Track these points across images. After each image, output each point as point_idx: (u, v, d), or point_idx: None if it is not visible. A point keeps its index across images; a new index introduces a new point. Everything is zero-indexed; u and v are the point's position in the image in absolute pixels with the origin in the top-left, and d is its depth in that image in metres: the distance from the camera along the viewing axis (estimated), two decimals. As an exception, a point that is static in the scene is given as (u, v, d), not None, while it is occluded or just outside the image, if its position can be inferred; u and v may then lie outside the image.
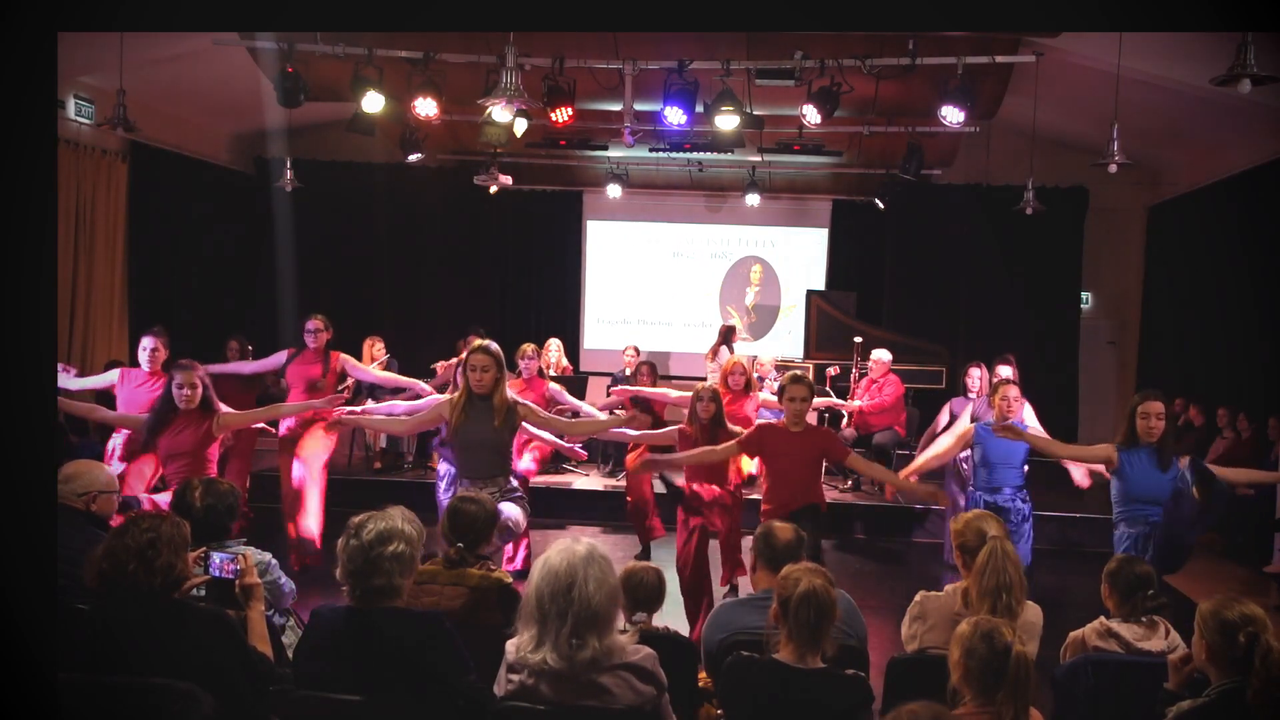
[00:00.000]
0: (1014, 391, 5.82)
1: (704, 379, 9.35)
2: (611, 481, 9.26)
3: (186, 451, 5.18)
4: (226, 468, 7.70)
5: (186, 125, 10.95)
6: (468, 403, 4.69)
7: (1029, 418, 6.63)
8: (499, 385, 4.71)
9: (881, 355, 9.11)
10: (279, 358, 6.78)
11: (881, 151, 10.78)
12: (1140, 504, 4.86)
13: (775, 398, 7.68)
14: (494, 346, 4.80)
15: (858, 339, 9.53)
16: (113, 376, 6.23)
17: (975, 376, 7.69)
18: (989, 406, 6.04)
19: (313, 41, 7.73)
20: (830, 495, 9.10)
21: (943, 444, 6.19)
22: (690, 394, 5.91)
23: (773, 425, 5.38)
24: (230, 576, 3.17)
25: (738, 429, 5.78)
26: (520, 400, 4.87)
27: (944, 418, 7.80)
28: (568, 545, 2.62)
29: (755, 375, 9.30)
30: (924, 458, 6.08)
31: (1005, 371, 7.12)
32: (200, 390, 5.20)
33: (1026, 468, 6.61)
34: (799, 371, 5.76)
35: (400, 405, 6.23)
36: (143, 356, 6.12)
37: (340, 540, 2.79)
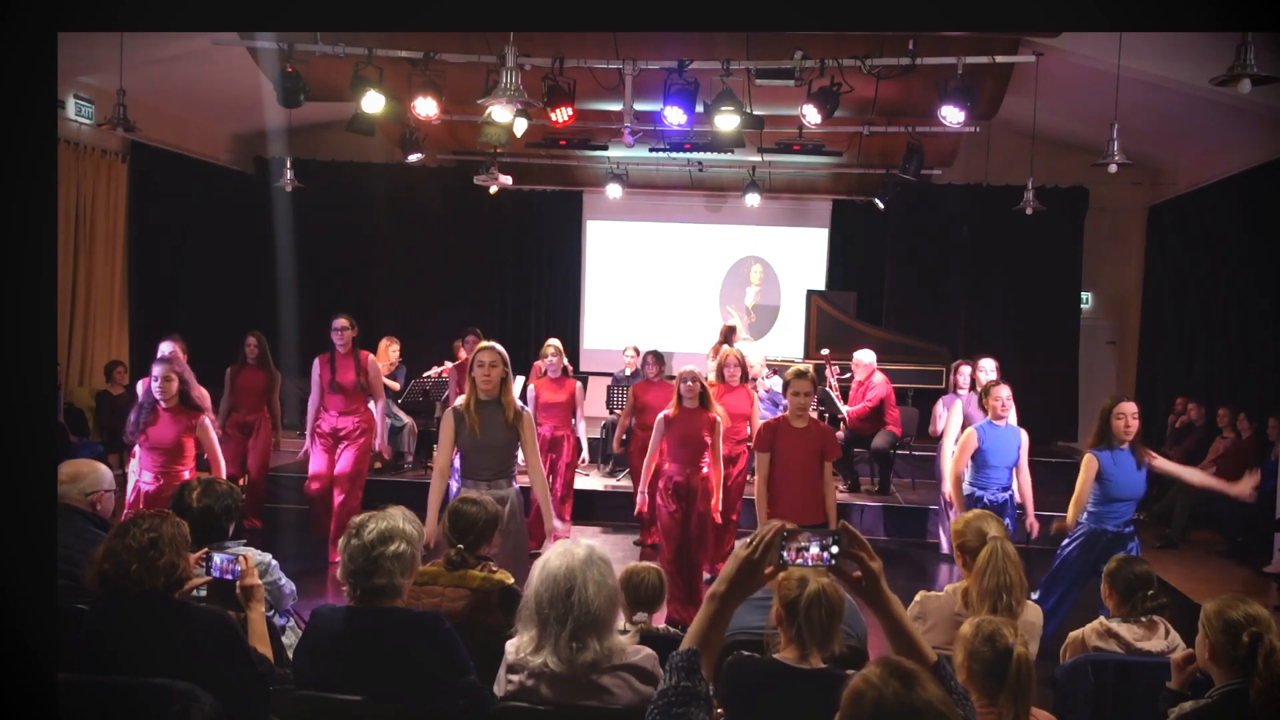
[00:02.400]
0: (1006, 391, 5.90)
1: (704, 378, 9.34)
2: (612, 481, 9.27)
3: (167, 447, 5.35)
4: (248, 465, 7.79)
5: (186, 125, 10.95)
6: (478, 406, 4.66)
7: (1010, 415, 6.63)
8: (505, 386, 4.70)
9: (864, 358, 9.01)
10: (317, 370, 6.99)
11: (881, 151, 10.78)
12: (1117, 503, 5.01)
13: (765, 395, 7.65)
14: (499, 346, 4.80)
15: (824, 350, 9.53)
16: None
17: (965, 374, 7.73)
18: (979, 407, 6.08)
19: (313, 41, 7.73)
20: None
21: (954, 461, 6.10)
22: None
23: (776, 421, 5.39)
24: (231, 578, 3.16)
25: (721, 410, 5.86)
26: (525, 409, 4.83)
27: (939, 416, 7.82)
28: (567, 548, 2.61)
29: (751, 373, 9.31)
30: (958, 491, 5.95)
31: (989, 366, 7.17)
32: (176, 384, 5.35)
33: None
34: (802, 366, 5.73)
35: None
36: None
37: (341, 540, 2.79)
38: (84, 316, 9.59)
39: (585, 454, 7.57)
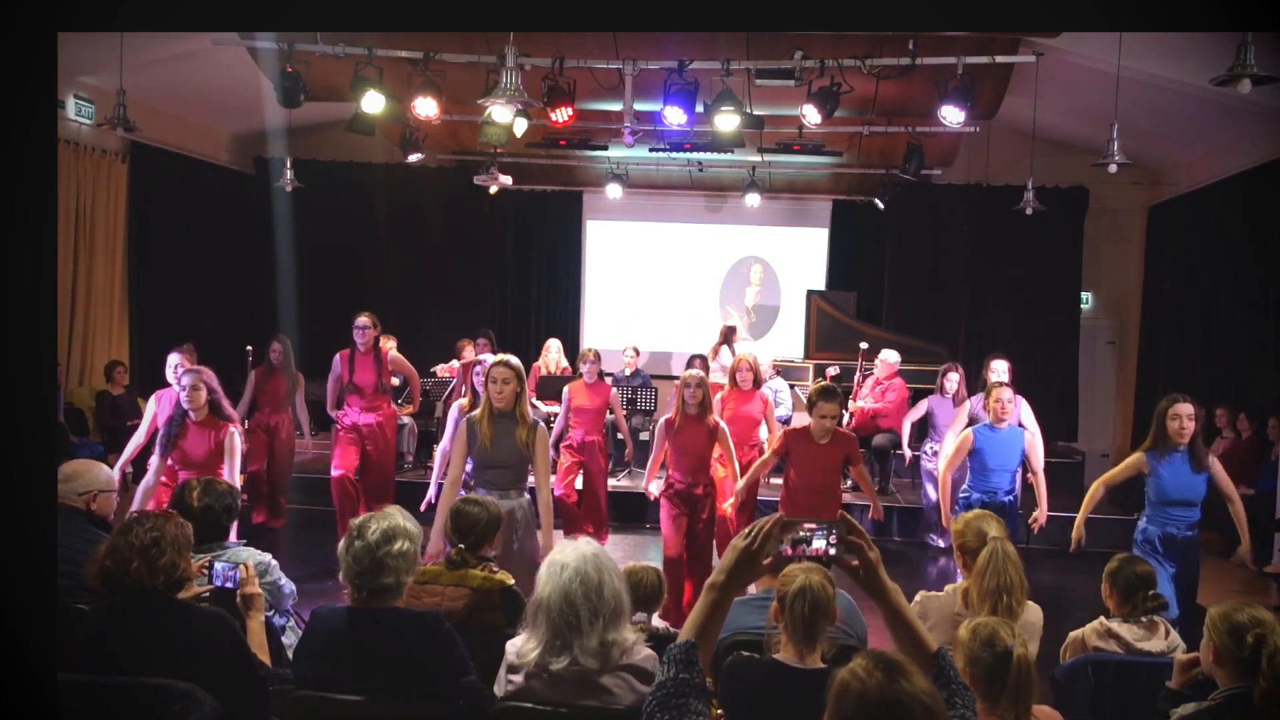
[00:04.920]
0: (1007, 394, 5.83)
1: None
2: (612, 481, 9.25)
3: (199, 461, 5.16)
4: (271, 471, 7.81)
5: (186, 125, 10.94)
6: (491, 419, 4.61)
7: (1026, 416, 6.65)
8: (520, 399, 4.64)
9: (889, 357, 9.06)
10: (337, 368, 7.04)
11: (881, 151, 10.78)
12: (1173, 506, 4.87)
13: (773, 399, 7.61)
14: (514, 360, 4.75)
15: (864, 345, 9.48)
16: (152, 406, 6.15)
17: (953, 379, 7.75)
18: (984, 409, 6.04)
19: (313, 41, 7.73)
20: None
21: (948, 455, 6.18)
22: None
23: (801, 433, 5.37)
24: (231, 585, 3.17)
25: (721, 420, 5.81)
26: (539, 424, 4.74)
27: (921, 410, 7.89)
28: (574, 547, 2.62)
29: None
30: (946, 494, 6.08)
31: (1000, 367, 7.13)
32: (204, 393, 5.19)
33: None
34: (830, 385, 5.63)
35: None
36: (170, 374, 6.17)
37: (342, 543, 2.78)
38: (84, 316, 9.58)
39: (630, 448, 7.55)
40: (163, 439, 5.24)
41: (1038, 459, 5.91)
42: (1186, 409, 4.86)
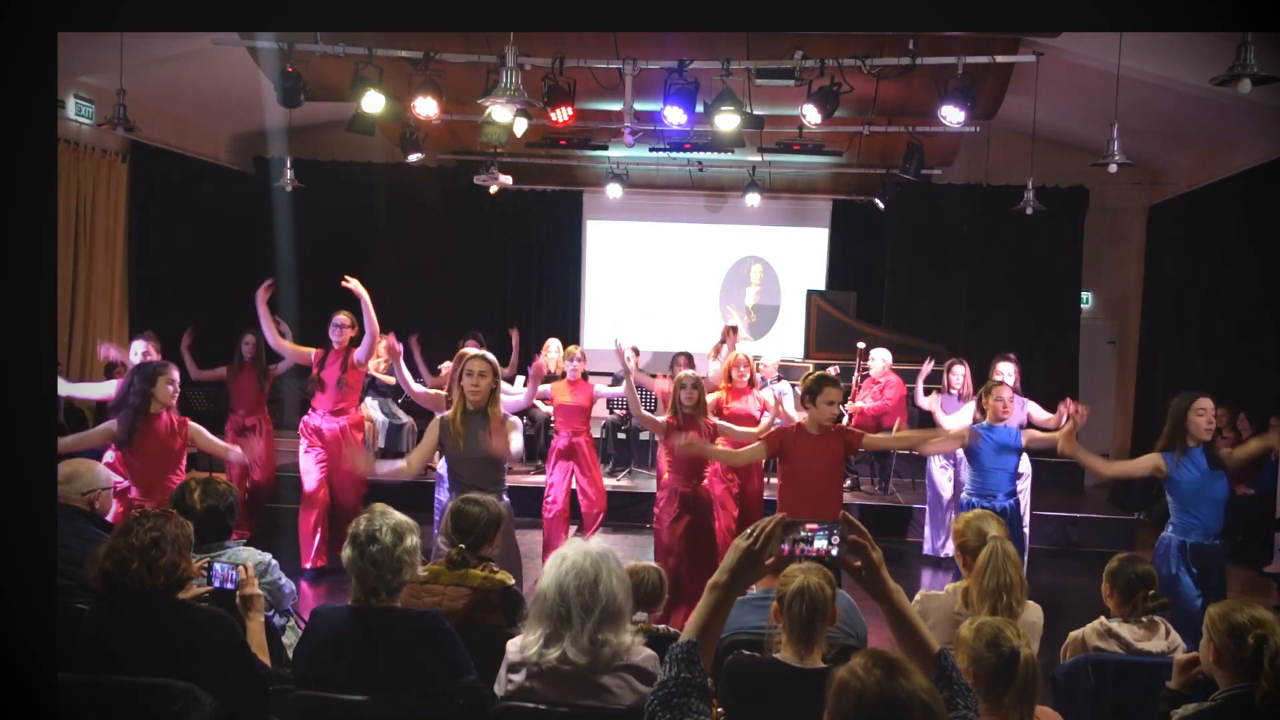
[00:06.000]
0: (1007, 393, 5.79)
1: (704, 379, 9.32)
2: (612, 481, 9.26)
3: (153, 453, 5.13)
4: (252, 473, 7.78)
5: (186, 125, 10.95)
6: (464, 417, 4.60)
7: (1036, 414, 6.63)
8: (494, 396, 4.64)
9: (884, 355, 9.05)
10: (308, 354, 7.01)
11: (881, 151, 10.78)
12: (1197, 507, 4.77)
13: (772, 398, 7.61)
14: (490, 355, 4.76)
15: (861, 344, 9.46)
16: (109, 388, 6.18)
17: (959, 374, 7.69)
18: (979, 409, 5.96)
19: (313, 41, 7.73)
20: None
21: (952, 425, 6.17)
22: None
23: (795, 430, 5.25)
24: (231, 586, 3.17)
25: (726, 425, 5.76)
26: (509, 418, 4.75)
27: (936, 405, 7.85)
28: (581, 543, 2.63)
29: (759, 376, 9.27)
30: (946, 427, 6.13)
31: (1006, 369, 7.06)
32: (177, 391, 5.23)
33: (1025, 472, 6.60)
34: (829, 372, 5.52)
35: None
36: (135, 361, 6.29)
37: (351, 551, 2.78)
38: (84, 316, 9.58)
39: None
40: (124, 429, 5.16)
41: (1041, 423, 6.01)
42: (1209, 404, 4.78)
